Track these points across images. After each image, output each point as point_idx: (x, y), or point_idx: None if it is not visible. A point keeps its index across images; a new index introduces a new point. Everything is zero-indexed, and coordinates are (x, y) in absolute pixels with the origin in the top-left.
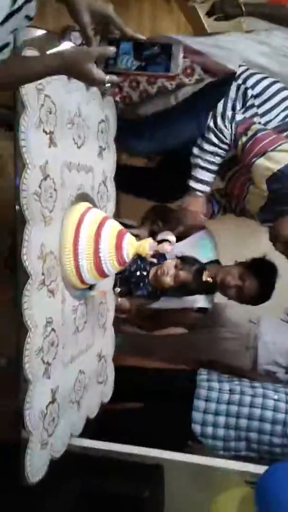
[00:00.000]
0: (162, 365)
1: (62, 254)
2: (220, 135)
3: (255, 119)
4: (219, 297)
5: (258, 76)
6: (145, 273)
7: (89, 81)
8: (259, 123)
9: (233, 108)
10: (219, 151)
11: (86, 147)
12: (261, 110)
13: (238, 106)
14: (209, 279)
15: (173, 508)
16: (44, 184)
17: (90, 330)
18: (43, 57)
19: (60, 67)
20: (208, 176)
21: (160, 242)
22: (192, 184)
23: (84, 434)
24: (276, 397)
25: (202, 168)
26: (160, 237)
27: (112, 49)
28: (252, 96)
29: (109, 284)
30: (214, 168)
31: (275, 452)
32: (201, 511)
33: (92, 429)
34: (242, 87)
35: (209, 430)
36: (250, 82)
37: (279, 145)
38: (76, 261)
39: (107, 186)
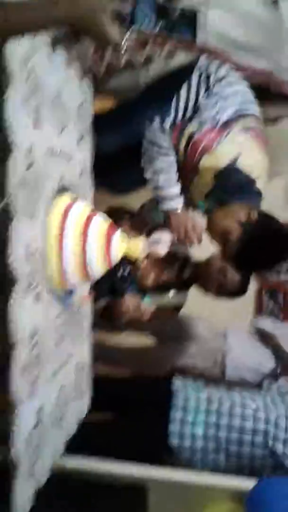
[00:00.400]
0: (131, 374)
1: (47, 254)
2: (165, 148)
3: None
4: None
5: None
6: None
7: (101, 39)
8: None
9: (176, 113)
10: (171, 159)
11: (66, 133)
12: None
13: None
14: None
15: None
16: (29, 172)
17: (71, 339)
18: (56, 2)
19: (72, 15)
20: (174, 190)
21: (153, 242)
22: (166, 206)
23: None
24: (254, 406)
25: (165, 182)
26: (153, 238)
27: (129, 6)
28: (214, 81)
29: (86, 289)
30: (175, 176)
31: (256, 465)
32: None
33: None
34: (204, 75)
35: (187, 442)
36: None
37: (220, 140)
38: (61, 262)
39: (85, 178)
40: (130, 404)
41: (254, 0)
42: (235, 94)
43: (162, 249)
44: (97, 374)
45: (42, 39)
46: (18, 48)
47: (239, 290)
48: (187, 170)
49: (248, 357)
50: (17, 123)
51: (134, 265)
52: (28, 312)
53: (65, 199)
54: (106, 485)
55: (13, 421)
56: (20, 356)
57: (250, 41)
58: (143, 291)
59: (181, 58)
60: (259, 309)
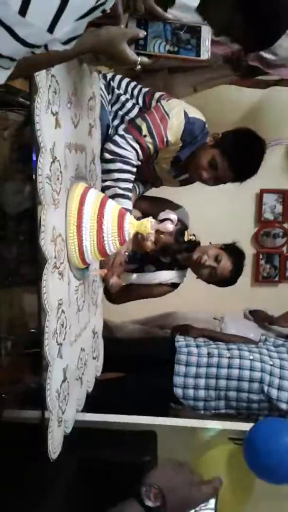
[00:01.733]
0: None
1: (67, 235)
2: (128, 161)
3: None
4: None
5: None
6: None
7: (122, 61)
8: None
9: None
10: (131, 176)
11: (80, 126)
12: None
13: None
14: (192, 237)
15: None
16: (53, 167)
17: (87, 308)
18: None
19: (96, 46)
20: (128, 204)
21: (161, 221)
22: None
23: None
24: (251, 357)
25: (121, 196)
26: (161, 216)
27: (144, 32)
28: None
29: (97, 263)
30: (130, 193)
31: (252, 408)
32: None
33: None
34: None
35: (191, 392)
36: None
37: (162, 106)
38: (80, 242)
39: (95, 164)
40: (138, 362)
41: None
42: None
43: (170, 226)
44: (108, 338)
45: None
46: None
47: (229, 279)
48: (151, 156)
49: (242, 333)
50: (43, 125)
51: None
52: (55, 286)
53: (81, 187)
54: (121, 432)
55: (47, 376)
56: (51, 322)
57: None
58: (135, 258)
59: None
60: (257, 274)
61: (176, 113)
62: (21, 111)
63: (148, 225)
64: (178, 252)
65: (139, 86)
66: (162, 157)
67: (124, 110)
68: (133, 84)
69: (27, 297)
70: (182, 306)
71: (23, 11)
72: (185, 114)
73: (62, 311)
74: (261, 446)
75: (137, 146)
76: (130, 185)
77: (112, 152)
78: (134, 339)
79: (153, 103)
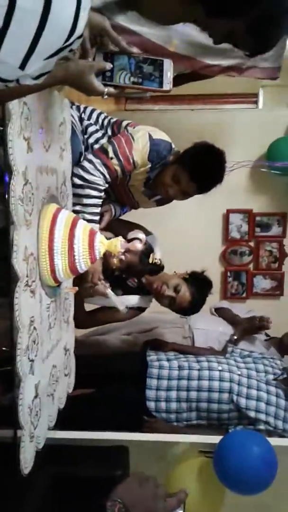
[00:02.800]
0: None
1: (39, 254)
2: (96, 187)
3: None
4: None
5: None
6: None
7: (90, 92)
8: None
9: (81, 122)
10: (99, 201)
11: (51, 150)
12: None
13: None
14: (157, 260)
15: None
16: (25, 189)
17: (59, 325)
18: (55, 75)
19: (65, 78)
20: (95, 227)
21: (130, 240)
22: None
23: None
24: (220, 368)
25: (89, 221)
26: (130, 235)
27: (109, 65)
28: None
29: (70, 281)
30: (97, 218)
31: (223, 418)
32: (162, 484)
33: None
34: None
35: (163, 405)
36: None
37: (128, 132)
38: (52, 261)
39: (66, 186)
40: (111, 377)
41: None
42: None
43: (138, 245)
44: (79, 354)
45: None
46: None
47: (188, 309)
48: (124, 179)
49: (211, 328)
50: (15, 150)
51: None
52: (27, 304)
53: (52, 207)
54: (92, 448)
55: (19, 392)
56: (23, 339)
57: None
58: (110, 275)
59: None
60: (225, 291)
61: (141, 136)
62: None
63: (117, 244)
64: (141, 273)
65: (108, 117)
66: (135, 179)
67: (94, 139)
68: (103, 115)
69: None
70: (148, 309)
71: None
72: (150, 136)
73: (34, 328)
74: (230, 458)
75: (104, 170)
76: (97, 210)
77: (81, 177)
78: (106, 355)
79: (121, 130)
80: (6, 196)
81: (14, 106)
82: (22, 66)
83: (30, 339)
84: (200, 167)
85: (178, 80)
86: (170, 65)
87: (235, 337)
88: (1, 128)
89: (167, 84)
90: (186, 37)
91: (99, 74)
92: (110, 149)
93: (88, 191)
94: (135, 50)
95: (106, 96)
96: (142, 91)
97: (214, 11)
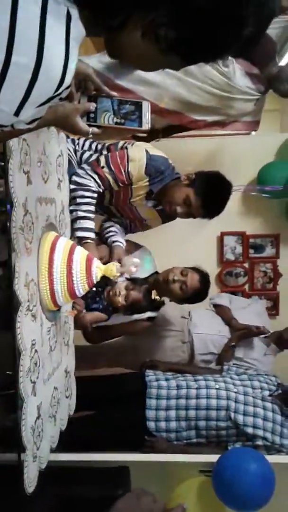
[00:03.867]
0: (108, 372)
1: (40, 280)
2: (88, 188)
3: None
4: None
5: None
6: (100, 289)
7: (75, 132)
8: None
9: (75, 154)
10: (92, 200)
11: (50, 181)
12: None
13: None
14: (157, 297)
15: None
16: (25, 219)
17: (59, 348)
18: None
19: (54, 120)
20: (89, 224)
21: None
22: (80, 234)
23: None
24: (217, 386)
25: (83, 218)
26: (125, 261)
27: (93, 105)
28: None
29: (70, 305)
30: (92, 215)
31: (221, 435)
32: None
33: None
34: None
35: (163, 424)
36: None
37: (125, 148)
38: (51, 286)
39: (65, 214)
40: (111, 399)
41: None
42: None
43: (133, 269)
44: (79, 377)
45: None
46: None
47: (201, 290)
48: (122, 190)
49: (210, 330)
50: (16, 183)
51: (109, 288)
52: (28, 328)
53: (51, 235)
54: (94, 469)
55: (22, 413)
56: (25, 361)
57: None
58: (115, 310)
59: None
60: None
61: (137, 150)
62: None
63: (113, 268)
64: (145, 309)
65: (102, 142)
66: (137, 194)
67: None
68: (96, 142)
69: (2, 340)
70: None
71: None
72: (146, 151)
73: (36, 350)
74: (228, 475)
75: (95, 176)
76: (90, 208)
77: (74, 182)
78: (105, 376)
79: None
80: (8, 225)
81: (14, 142)
82: (17, 113)
83: (32, 361)
84: (213, 198)
85: (168, 130)
86: (148, 107)
87: (233, 343)
88: (2, 164)
89: (146, 124)
90: (175, 94)
91: (84, 115)
92: (102, 159)
93: (81, 193)
94: (115, 94)
95: (90, 135)
96: (122, 130)
97: (188, 60)
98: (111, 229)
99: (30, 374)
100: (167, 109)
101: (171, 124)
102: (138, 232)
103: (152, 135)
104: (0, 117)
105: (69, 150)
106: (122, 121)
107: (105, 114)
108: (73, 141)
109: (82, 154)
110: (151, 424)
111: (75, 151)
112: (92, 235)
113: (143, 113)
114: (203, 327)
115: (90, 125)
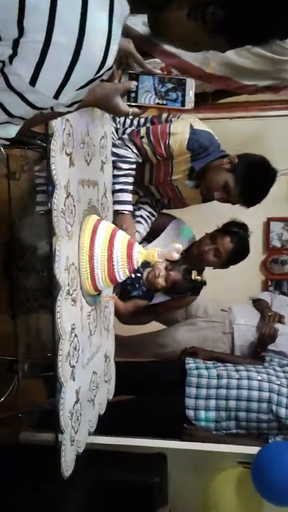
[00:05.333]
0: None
1: (80, 264)
2: (126, 159)
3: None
4: None
5: None
6: (139, 275)
7: (115, 112)
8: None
9: (117, 133)
10: (130, 172)
11: (92, 163)
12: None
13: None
14: (198, 278)
15: (176, 491)
16: (67, 202)
17: (99, 333)
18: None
19: (93, 101)
20: (126, 196)
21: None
22: (117, 207)
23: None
24: (259, 377)
25: (119, 191)
26: (167, 247)
27: (134, 83)
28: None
29: (110, 289)
30: (129, 187)
31: (262, 427)
32: (200, 493)
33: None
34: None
35: (202, 413)
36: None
37: (170, 121)
38: (92, 270)
39: (107, 197)
40: (150, 384)
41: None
42: None
43: (175, 255)
44: (119, 361)
45: None
46: None
47: (237, 251)
48: (163, 165)
49: (252, 322)
50: (58, 165)
51: (149, 270)
52: (68, 312)
53: (93, 219)
54: (132, 454)
55: (60, 397)
56: (64, 345)
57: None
58: (151, 294)
59: None
60: None
61: (181, 124)
62: (39, 150)
63: (155, 254)
64: (186, 290)
65: (145, 116)
66: (178, 171)
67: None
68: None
69: (44, 323)
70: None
71: (33, 82)
72: (190, 125)
73: (75, 335)
74: (268, 469)
75: (132, 146)
76: (128, 179)
77: (113, 154)
78: (145, 362)
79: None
80: (50, 208)
81: (57, 123)
82: (56, 96)
83: (72, 345)
84: (253, 186)
85: (218, 94)
86: (192, 85)
87: (258, 349)
88: (44, 145)
89: (189, 103)
90: (223, 59)
91: (124, 94)
92: (143, 130)
93: (119, 164)
94: (158, 71)
95: (131, 116)
96: (165, 111)
97: (235, 42)
98: (137, 213)
99: (70, 359)
100: (214, 74)
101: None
102: (175, 209)
103: (201, 100)
104: (39, 99)
105: None
106: (164, 102)
107: (146, 94)
108: (113, 119)
109: (123, 132)
110: (190, 413)
111: (116, 130)
112: (129, 207)
113: (187, 91)
114: (243, 318)
115: (130, 105)
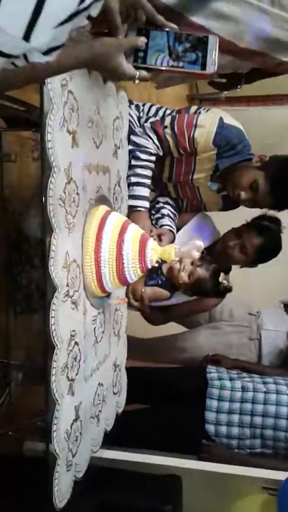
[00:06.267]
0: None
1: (84, 262)
2: (145, 149)
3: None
4: None
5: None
6: (157, 264)
7: (118, 75)
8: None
9: (139, 122)
10: (148, 164)
11: (103, 146)
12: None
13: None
14: (225, 282)
15: None
16: (68, 188)
17: (107, 339)
18: (72, 49)
19: (90, 60)
20: (143, 191)
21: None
22: (131, 202)
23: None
24: None
25: (135, 184)
26: (187, 244)
27: (143, 40)
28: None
29: (123, 290)
30: (147, 181)
31: None
32: None
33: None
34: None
35: (223, 429)
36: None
37: (198, 112)
38: (98, 269)
39: (121, 187)
40: (166, 394)
41: None
42: None
43: (195, 253)
44: (134, 367)
45: None
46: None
47: (265, 249)
48: (185, 161)
49: (281, 328)
50: (56, 144)
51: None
52: (66, 317)
53: (101, 210)
54: (141, 475)
55: (54, 416)
56: (60, 356)
57: None
58: (169, 284)
59: None
60: None
61: (210, 116)
62: (36, 128)
63: (172, 251)
64: (209, 292)
65: (172, 108)
66: (201, 169)
67: None
68: (164, 108)
69: (39, 327)
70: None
71: None
72: (220, 118)
73: (76, 343)
74: None
75: (154, 136)
76: (146, 172)
77: (132, 142)
78: (162, 369)
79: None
80: (44, 196)
81: (55, 93)
82: (27, 37)
83: (70, 356)
84: (285, 187)
85: (252, 75)
86: (215, 43)
87: None
88: (38, 119)
89: (211, 66)
90: (259, 31)
91: (131, 54)
92: (168, 119)
93: (137, 154)
94: (173, 25)
95: (137, 81)
96: (180, 74)
97: None
98: (163, 211)
99: (67, 371)
100: (249, 49)
101: (255, 68)
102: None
103: (232, 82)
104: (4, 41)
105: (131, 116)
106: (181, 64)
107: (158, 55)
108: (137, 107)
109: (146, 120)
110: (210, 428)
111: (139, 119)
112: (145, 203)
113: (209, 51)
114: (272, 323)
115: (137, 67)
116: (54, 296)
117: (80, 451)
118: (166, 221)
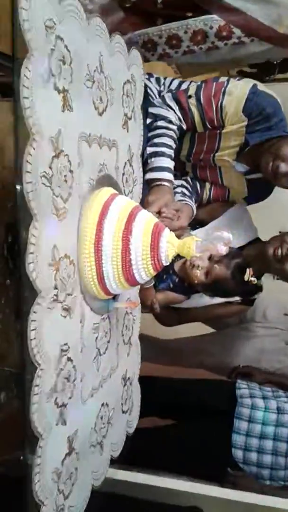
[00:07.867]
0: (187, 375)
1: (81, 258)
2: (165, 117)
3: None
4: None
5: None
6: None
7: None
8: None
9: (159, 94)
10: (169, 132)
11: (109, 114)
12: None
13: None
14: (253, 279)
15: None
16: (56, 163)
17: (114, 349)
18: None
19: None
20: (165, 162)
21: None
22: (151, 175)
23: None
24: None
25: (155, 154)
26: (214, 234)
27: None
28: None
29: (135, 290)
30: (169, 151)
31: None
32: None
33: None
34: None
35: (253, 456)
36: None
37: (228, 80)
38: (99, 267)
39: (133, 166)
40: (187, 410)
41: None
42: None
43: (222, 248)
44: (151, 376)
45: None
46: (38, 14)
47: None
48: (208, 136)
49: None
50: (37, 103)
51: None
52: (55, 328)
53: (105, 193)
54: (154, 504)
55: (37, 456)
56: (44, 378)
57: None
58: (182, 285)
59: None
60: None
61: (242, 83)
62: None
63: (192, 245)
64: (231, 293)
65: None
66: (227, 146)
67: None
68: (188, 81)
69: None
70: None
71: None
72: (254, 85)
73: (68, 359)
74: None
75: (175, 106)
76: (167, 141)
77: (149, 115)
78: (184, 380)
79: None
80: (18, 171)
81: (37, 38)
82: None
83: (61, 376)
84: None
85: (286, 65)
86: None
87: None
88: (10, 66)
89: None
90: None
91: None
92: (193, 88)
93: (155, 123)
94: None
95: None
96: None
97: None
98: (177, 189)
99: (56, 396)
100: None
101: None
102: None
103: (266, 71)
104: None
105: (151, 90)
106: None
107: None
108: (157, 80)
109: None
110: (238, 453)
111: (159, 92)
112: (168, 176)
113: None
114: None
115: None
116: (35, 302)
117: (74, 490)
118: (180, 197)
